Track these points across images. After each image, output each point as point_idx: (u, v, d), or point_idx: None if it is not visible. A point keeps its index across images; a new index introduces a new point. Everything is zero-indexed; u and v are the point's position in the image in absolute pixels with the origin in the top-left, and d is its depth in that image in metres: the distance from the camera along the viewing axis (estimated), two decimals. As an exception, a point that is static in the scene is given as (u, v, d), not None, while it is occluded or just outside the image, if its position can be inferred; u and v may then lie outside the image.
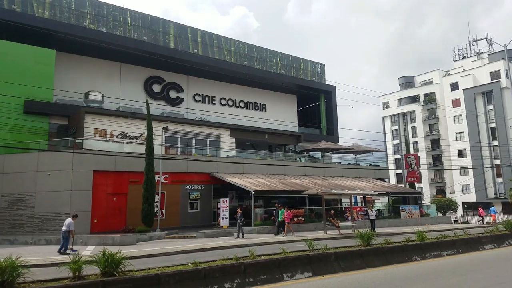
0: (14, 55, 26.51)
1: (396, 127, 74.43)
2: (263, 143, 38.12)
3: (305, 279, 10.29)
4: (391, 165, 66.27)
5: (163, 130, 25.57)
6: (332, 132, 44.97)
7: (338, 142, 43.91)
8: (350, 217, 25.80)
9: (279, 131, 38.43)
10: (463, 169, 60.81)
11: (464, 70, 67.24)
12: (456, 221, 37.31)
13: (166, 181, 25.74)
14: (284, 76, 43.41)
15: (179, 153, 30.16)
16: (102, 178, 23.82)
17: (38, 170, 22.90)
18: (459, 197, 57.32)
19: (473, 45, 70.87)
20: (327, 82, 47.74)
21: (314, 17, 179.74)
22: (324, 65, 48.79)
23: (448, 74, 70.15)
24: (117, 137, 27.89)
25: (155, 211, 23.46)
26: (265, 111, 43.14)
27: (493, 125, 60.56)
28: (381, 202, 39.14)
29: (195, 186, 27.95)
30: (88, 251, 16.15)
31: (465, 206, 56.90)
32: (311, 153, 40.62)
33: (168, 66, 35.37)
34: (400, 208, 32.19)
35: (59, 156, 23.11)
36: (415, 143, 68.24)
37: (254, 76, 40.39)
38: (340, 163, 39.64)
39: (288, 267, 10.48)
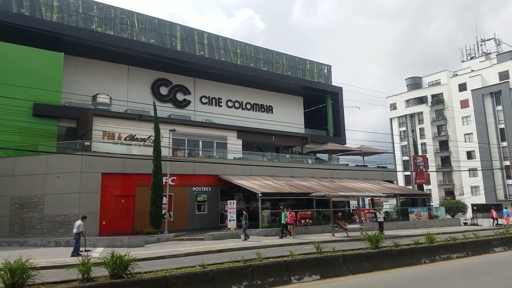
0: (23, 59, 26.81)
1: (404, 129, 73.96)
2: (269, 145, 38.10)
3: (313, 282, 10.24)
4: (399, 167, 65.90)
5: (171, 132, 25.69)
6: (339, 133, 44.83)
7: (345, 144, 43.76)
8: (358, 220, 25.67)
9: (285, 133, 38.39)
10: (472, 171, 60.23)
11: (472, 70, 66.67)
12: (465, 223, 36.95)
13: (174, 183, 25.82)
14: (290, 78, 43.39)
15: (186, 155, 30.25)
16: (111, 180, 23.96)
17: (47, 173, 23.10)
18: (468, 199, 56.71)
19: (481, 45, 70.31)
20: (333, 84, 47.65)
21: (320, 18, 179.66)
22: (330, 66, 48.71)
23: (456, 75, 69.60)
24: (125, 139, 28.05)
25: (163, 213, 23.57)
26: (272, 112, 43.13)
27: (502, 126, 59.93)
28: (389, 204, 38.87)
29: (202, 188, 28.00)
30: (96, 253, 16.26)
31: (475, 208, 56.26)
32: (318, 155, 40.51)
33: (175, 69, 35.55)
34: (409, 210, 31.93)
35: (68, 159, 23.30)
36: (423, 144, 67.71)
37: (261, 78, 40.42)
38: (347, 164, 39.48)
39: (296, 270, 10.44)
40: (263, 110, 42.73)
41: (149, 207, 22.72)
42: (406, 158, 69.54)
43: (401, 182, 64.75)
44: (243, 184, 26.21)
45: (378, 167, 39.88)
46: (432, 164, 61.62)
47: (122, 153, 25.26)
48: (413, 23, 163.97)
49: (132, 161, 24.51)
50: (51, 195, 22.71)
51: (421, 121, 71.75)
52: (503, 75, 61.57)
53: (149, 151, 24.94)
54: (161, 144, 23.96)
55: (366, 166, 39.69)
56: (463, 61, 71.88)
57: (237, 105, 40.84)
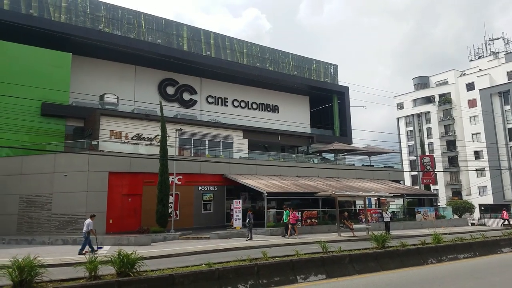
0: (31, 59, 27.07)
1: (411, 128, 73.49)
2: (275, 144, 38.10)
3: (319, 281, 10.24)
4: (406, 167, 65.49)
5: (177, 131, 25.79)
6: (345, 133, 44.70)
7: (352, 144, 43.62)
8: (364, 219, 25.58)
9: (291, 133, 38.36)
10: (480, 171, 59.70)
11: (480, 70, 66.08)
12: (473, 224, 36.68)
13: (180, 182, 25.91)
14: (296, 77, 43.35)
15: (192, 155, 30.35)
16: (117, 179, 24.10)
17: (55, 172, 23.30)
18: (476, 199, 56.24)
19: (489, 44, 69.65)
20: (340, 83, 47.53)
21: (326, 17, 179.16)
22: (336, 66, 48.57)
23: (464, 74, 69.03)
24: (132, 138, 28.23)
25: (169, 212, 23.68)
26: (278, 112, 43.12)
27: (511, 125, 59.33)
28: (395, 204, 38.71)
29: (208, 187, 28.08)
30: (103, 251, 16.36)
31: (482, 208, 55.83)
32: (324, 155, 40.42)
33: (182, 69, 35.69)
34: (415, 210, 31.76)
35: (75, 158, 23.49)
36: (431, 144, 67.22)
37: (267, 77, 40.44)
38: (353, 164, 39.35)
39: (302, 269, 10.44)
40: (269, 109, 42.73)
41: (155, 206, 22.84)
42: (413, 158, 69.09)
43: (408, 182, 64.37)
44: (249, 184, 26.24)
45: (384, 167, 39.71)
46: (439, 164, 61.13)
47: (129, 152, 25.42)
48: (420, 22, 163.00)
49: (139, 160, 24.64)
50: (59, 194, 22.90)
51: (428, 120, 71.26)
52: (512, 75, 60.99)
53: (156, 150, 25.08)
54: (168, 144, 24.06)
55: (373, 166, 39.53)
56: (471, 61, 71.27)
57: (243, 104, 40.89)
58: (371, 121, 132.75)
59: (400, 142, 68.35)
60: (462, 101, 66.21)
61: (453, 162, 66.84)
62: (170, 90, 36.73)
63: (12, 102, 22.77)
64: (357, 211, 30.59)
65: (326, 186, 29.14)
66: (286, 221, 22.63)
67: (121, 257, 8.42)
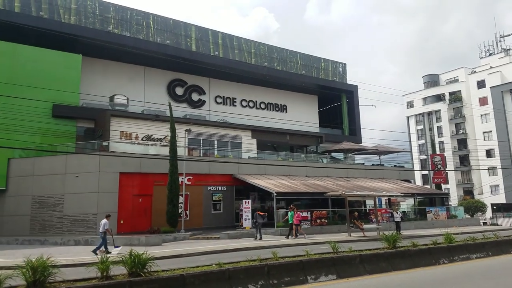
0: (42, 61, 27.37)
1: (421, 127, 72.80)
2: (284, 144, 38.03)
3: (329, 282, 10.21)
4: (417, 166, 64.83)
5: (186, 132, 25.91)
6: (354, 132, 44.43)
7: (361, 143, 43.35)
8: (374, 219, 25.41)
9: (300, 132, 38.25)
10: (492, 170, 58.92)
11: (491, 67, 65.21)
12: (485, 223, 36.23)
13: (190, 183, 26.02)
14: (304, 77, 43.20)
15: (201, 155, 30.45)
16: (128, 180, 24.29)
17: (66, 173, 23.57)
18: (488, 198, 55.54)
19: (500, 41, 68.61)
20: (348, 82, 47.24)
21: (334, 16, 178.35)
22: (345, 64, 48.28)
23: (474, 72, 68.18)
24: (142, 139, 28.41)
25: (180, 212, 23.80)
26: (286, 112, 43.04)
27: (523, 123, 58.48)
28: (406, 204, 38.39)
29: (217, 187, 28.15)
30: (115, 251, 16.51)
31: (494, 207, 55.07)
32: (333, 154, 40.23)
33: (190, 69, 35.83)
34: (427, 210, 31.48)
35: (86, 159, 23.73)
36: (441, 143, 66.54)
37: (275, 77, 40.37)
38: (363, 164, 39.11)
39: (312, 269, 10.42)
40: (277, 109, 42.68)
41: (166, 206, 22.99)
42: (424, 157, 68.39)
43: (418, 181, 63.84)
44: (258, 184, 26.26)
45: (395, 166, 39.40)
46: (450, 163, 60.43)
47: (139, 153, 25.59)
48: (430, 20, 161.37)
49: (149, 160, 24.81)
50: (70, 195, 23.16)
51: (438, 119, 70.54)
52: (524, 72, 60.07)
53: (166, 150, 25.20)
54: (177, 144, 24.18)
55: (383, 165, 39.25)
56: (481, 58, 70.36)
57: (251, 104, 40.90)
58: (381, 120, 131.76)
59: (410, 141, 67.79)
60: (473, 99, 65.41)
61: (464, 161, 66.08)
62: (179, 91, 36.89)
63: (24, 104, 23.09)
64: (368, 211, 30.39)
65: (335, 186, 29.02)
66: (291, 222, 22.52)
67: (132, 257, 8.50)
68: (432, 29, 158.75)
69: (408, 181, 37.95)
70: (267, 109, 41.86)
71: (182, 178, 24.24)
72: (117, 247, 17.66)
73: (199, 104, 37.63)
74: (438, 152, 47.39)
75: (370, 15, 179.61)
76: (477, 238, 15.60)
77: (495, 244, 15.38)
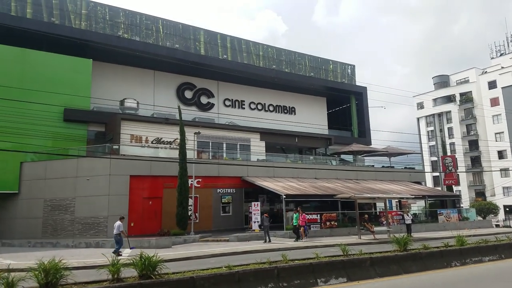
0: (53, 66, 27.76)
1: (432, 128, 72.10)
2: (293, 146, 38.01)
3: (340, 285, 10.16)
4: (427, 168, 64.24)
5: (195, 135, 26.04)
6: (364, 134, 44.21)
7: (371, 145, 43.09)
8: (385, 222, 25.22)
9: (309, 134, 38.19)
10: (504, 171, 58.10)
11: (502, 67, 64.39)
12: (497, 225, 35.74)
13: (199, 185, 26.12)
14: (313, 79, 43.13)
15: (210, 157, 30.56)
16: (138, 183, 24.48)
17: (77, 176, 23.85)
18: (500, 200, 54.72)
19: (511, 41, 67.80)
20: (357, 83, 47.03)
21: (342, 18, 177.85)
22: (354, 66, 48.09)
23: (485, 72, 67.38)
24: (152, 142, 28.64)
25: (189, 214, 23.90)
26: (295, 114, 42.99)
27: (536, 124, 57.60)
28: (417, 206, 38.05)
29: (227, 189, 28.21)
30: (125, 254, 16.64)
31: (507, 209, 54.29)
32: (342, 156, 40.07)
33: (199, 73, 36.04)
34: (438, 212, 31.15)
35: (97, 162, 23.97)
36: (452, 144, 65.81)
37: (283, 79, 40.42)
38: (373, 166, 38.87)
39: (322, 272, 10.37)
40: (286, 111, 42.66)
41: (175, 209, 23.10)
42: (435, 158, 67.69)
43: (429, 183, 63.14)
44: (267, 186, 26.25)
45: (405, 168, 39.06)
46: (462, 164, 59.71)
47: (149, 156, 25.80)
48: (439, 20, 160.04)
49: (159, 163, 24.99)
50: (82, 198, 23.41)
51: (449, 120, 69.82)
52: (536, 71, 59.20)
53: (175, 153, 25.34)
54: (187, 147, 24.31)
55: (393, 167, 38.96)
56: (492, 58, 69.54)
57: (259, 107, 40.96)
58: (391, 121, 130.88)
59: (420, 143, 67.11)
60: (484, 99, 64.63)
61: (476, 162, 65.26)
62: (188, 94, 37.11)
63: (36, 109, 23.44)
64: (378, 214, 30.20)
65: (345, 188, 28.87)
66: (295, 224, 22.39)
67: (143, 259, 8.55)
68: (441, 30, 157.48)
69: (419, 183, 37.60)
70: (276, 112, 41.87)
71: (192, 181, 24.34)
72: (132, 248, 17.82)
73: (208, 107, 37.80)
74: (449, 154, 46.91)
75: (378, 16, 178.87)
76: (489, 240, 15.39)
77: (508, 246, 15.13)
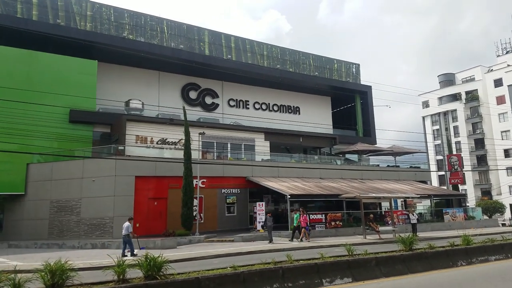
0: (59, 67, 27.95)
1: (437, 127, 71.70)
2: (297, 146, 37.96)
3: (345, 285, 10.16)
4: (433, 167, 63.89)
5: (200, 135, 26.09)
6: (369, 133, 44.06)
7: (376, 144, 42.95)
8: (390, 222, 25.13)
9: (313, 134, 38.15)
10: (510, 169, 57.67)
11: (508, 65, 63.86)
12: (503, 224, 35.49)
13: (204, 185, 26.16)
14: (317, 78, 43.07)
15: (215, 158, 30.60)
16: (143, 183, 24.57)
17: (83, 177, 23.99)
18: (507, 199, 54.34)
19: (518, 39, 67.30)
20: (362, 82, 46.91)
21: (347, 17, 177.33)
22: (358, 65, 47.95)
23: (491, 70, 66.90)
24: (157, 143, 28.75)
25: (194, 215, 23.95)
26: (299, 114, 42.95)
27: (543, 122, 57.11)
28: (423, 206, 37.85)
29: (231, 190, 28.23)
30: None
31: (514, 208, 53.87)
32: (347, 156, 39.95)
33: (204, 73, 36.12)
34: (443, 211, 30.99)
35: (103, 163, 24.10)
36: (458, 143, 65.37)
37: (287, 79, 40.40)
38: (378, 165, 38.73)
39: (327, 272, 10.37)
40: (290, 111, 42.63)
41: (180, 209, 23.16)
42: (440, 157, 67.37)
43: (435, 182, 62.77)
44: (271, 186, 26.25)
45: (410, 167, 38.90)
46: (468, 163, 59.33)
47: (154, 156, 25.89)
48: (445, 18, 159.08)
49: (164, 164, 25.07)
50: (87, 199, 23.55)
51: (455, 119, 69.38)
52: (543, 69, 58.70)
53: (180, 154, 25.41)
54: (191, 147, 24.36)
55: (398, 166, 38.80)
56: (498, 56, 69.01)
57: (264, 107, 40.97)
58: (396, 120, 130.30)
59: (426, 142, 66.71)
60: (490, 98, 64.18)
61: (482, 161, 64.82)
62: (193, 95, 37.21)
63: (41, 110, 23.63)
64: (383, 213, 30.09)
65: (350, 187, 28.80)
66: (296, 224, 22.22)
67: (148, 260, 8.59)
68: (447, 28, 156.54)
69: (424, 182, 37.42)
70: (280, 111, 41.86)
71: (196, 181, 24.39)
72: (142, 248, 17.89)
73: (213, 107, 37.87)
74: (454, 153, 46.57)
75: (383, 14, 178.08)
76: (495, 239, 15.28)
77: (515, 246, 15.02)
